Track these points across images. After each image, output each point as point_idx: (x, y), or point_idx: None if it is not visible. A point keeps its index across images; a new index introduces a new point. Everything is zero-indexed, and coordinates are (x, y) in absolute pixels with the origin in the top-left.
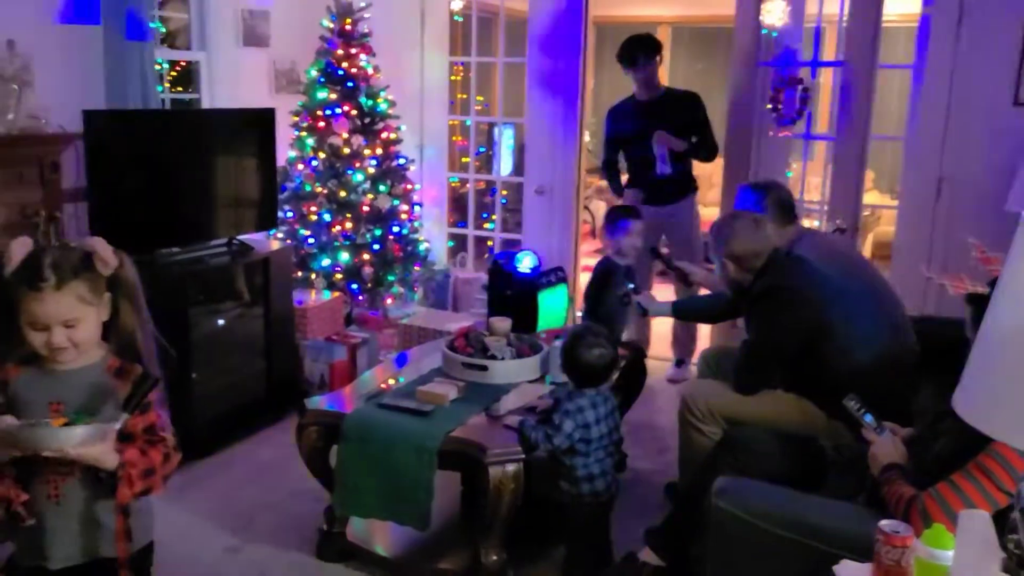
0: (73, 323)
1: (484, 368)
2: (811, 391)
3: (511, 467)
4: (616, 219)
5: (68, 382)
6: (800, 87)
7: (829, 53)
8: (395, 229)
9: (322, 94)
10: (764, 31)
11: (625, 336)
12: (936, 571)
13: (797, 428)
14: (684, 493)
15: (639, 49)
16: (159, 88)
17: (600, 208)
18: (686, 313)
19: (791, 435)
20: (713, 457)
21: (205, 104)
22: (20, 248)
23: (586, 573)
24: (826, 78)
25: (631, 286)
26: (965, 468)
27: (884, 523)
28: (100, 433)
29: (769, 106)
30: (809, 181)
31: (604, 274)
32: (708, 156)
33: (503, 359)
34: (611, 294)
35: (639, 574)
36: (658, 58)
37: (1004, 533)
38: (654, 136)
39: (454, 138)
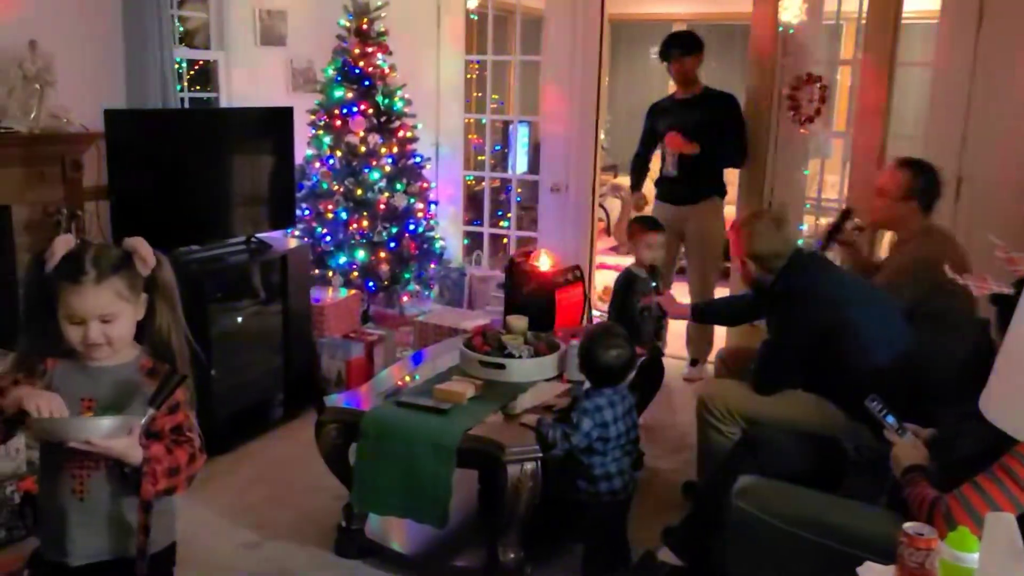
0: (110, 318)
1: (502, 366)
2: (831, 391)
3: (529, 465)
4: (637, 231)
5: (101, 379)
6: (818, 85)
7: (848, 50)
8: (411, 227)
9: (339, 93)
10: (781, 28)
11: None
12: (961, 574)
13: (817, 428)
14: (703, 493)
15: (674, 43)
16: (178, 87)
17: (615, 206)
18: (706, 316)
19: (811, 435)
20: (732, 457)
21: (223, 103)
22: (62, 245)
23: (604, 572)
24: (844, 76)
25: (653, 284)
26: (989, 470)
27: (908, 525)
28: (126, 426)
29: (787, 104)
30: (826, 179)
31: (625, 286)
32: (736, 161)
33: (520, 357)
34: (633, 305)
35: (658, 574)
36: (694, 57)
37: None
38: (666, 138)
39: (470, 136)
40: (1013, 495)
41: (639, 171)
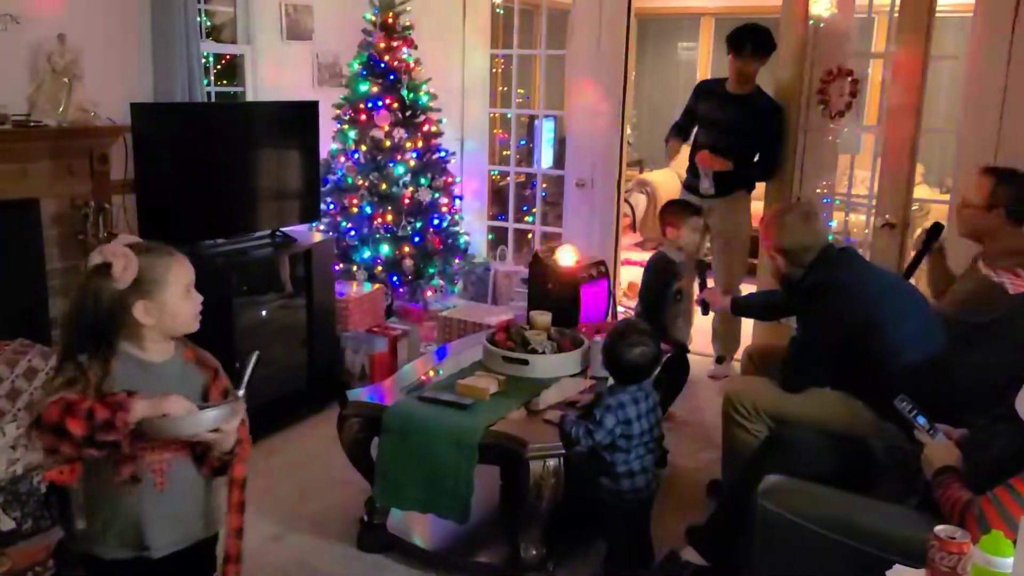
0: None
1: (525, 362)
2: (861, 391)
3: (551, 462)
4: (675, 213)
5: (162, 376)
6: (849, 78)
7: (880, 44)
8: (435, 222)
9: (364, 87)
10: (812, 21)
11: (683, 330)
12: None
13: (845, 428)
14: (728, 492)
15: (750, 39)
16: (204, 82)
17: (640, 202)
18: (745, 309)
19: (839, 435)
20: (759, 456)
21: (249, 97)
22: (123, 253)
23: (626, 570)
24: (876, 70)
25: (698, 280)
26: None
27: (939, 528)
28: (232, 412)
29: (817, 98)
30: (856, 175)
31: (659, 269)
32: (766, 174)
33: (544, 353)
34: (667, 290)
35: (681, 572)
36: (764, 57)
37: None
38: (696, 157)
39: (495, 131)
40: None
41: (677, 135)
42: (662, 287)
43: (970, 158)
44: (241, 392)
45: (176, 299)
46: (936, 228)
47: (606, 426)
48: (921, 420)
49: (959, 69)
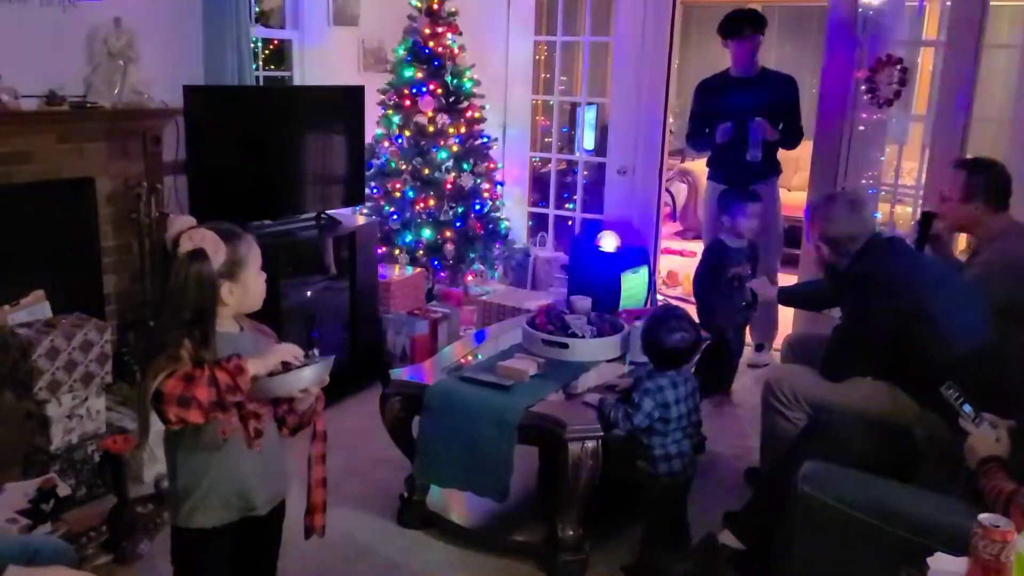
0: None
1: (564, 346)
2: (904, 379)
3: (590, 444)
4: (733, 200)
5: (242, 344)
6: (898, 67)
7: (931, 31)
8: (477, 207)
9: (409, 72)
10: (860, 9)
11: (743, 318)
12: None
13: (887, 417)
14: (767, 478)
15: (746, 20)
16: (253, 66)
17: (681, 191)
18: (791, 299)
19: (880, 424)
20: (798, 442)
21: (296, 82)
22: (211, 239)
23: (663, 553)
24: (925, 58)
25: (749, 266)
26: None
27: (983, 516)
28: (325, 368)
29: (864, 87)
30: (903, 165)
31: (716, 255)
32: (792, 144)
33: (583, 337)
34: (722, 275)
35: (718, 557)
36: (761, 36)
37: None
38: (753, 122)
39: (537, 117)
40: None
41: (701, 146)
42: (716, 272)
43: (1021, 147)
44: (316, 351)
45: (253, 278)
46: (927, 217)
47: (644, 409)
48: (967, 408)
49: (1013, 56)
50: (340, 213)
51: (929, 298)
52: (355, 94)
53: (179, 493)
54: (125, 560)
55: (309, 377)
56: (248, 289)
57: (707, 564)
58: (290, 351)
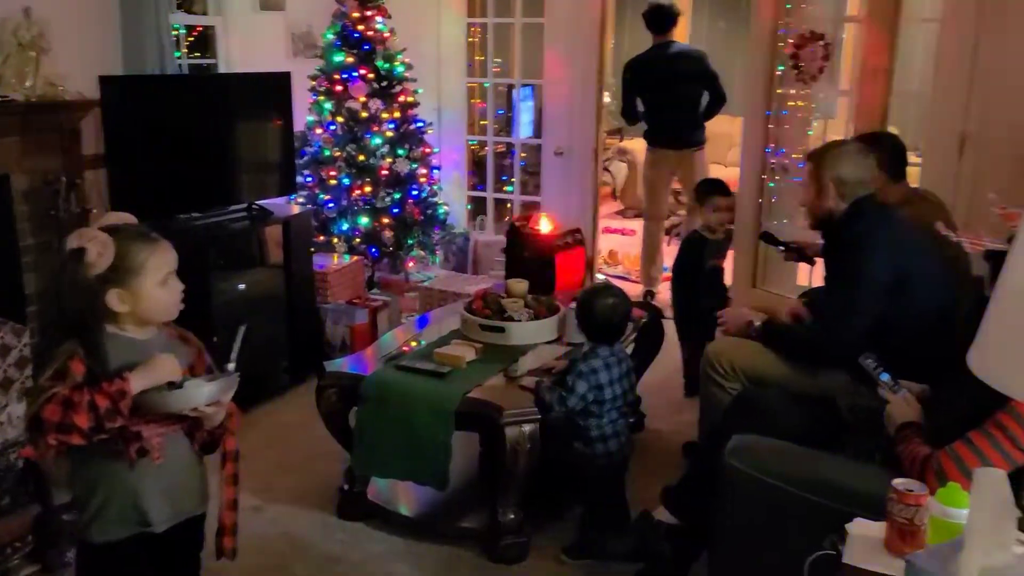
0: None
1: (501, 330)
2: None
3: (527, 427)
4: (706, 194)
5: (148, 350)
6: (821, 43)
7: (854, 7)
8: (414, 193)
9: (339, 58)
10: None
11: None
12: (951, 529)
13: (819, 388)
14: (700, 452)
15: (669, 18)
16: (176, 53)
17: (621, 170)
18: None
19: (806, 395)
20: (726, 416)
21: (222, 69)
22: (101, 241)
23: (601, 532)
24: (850, 34)
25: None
26: (982, 426)
27: (897, 481)
28: (228, 386)
29: (790, 63)
30: (830, 138)
31: (693, 249)
32: (719, 105)
33: (520, 320)
34: (701, 267)
35: (655, 532)
36: (675, 25)
37: (1021, 491)
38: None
39: (472, 100)
40: (1006, 451)
41: (632, 113)
42: (696, 264)
43: (941, 120)
44: (231, 366)
45: (152, 288)
46: (766, 237)
47: (578, 392)
48: (884, 377)
49: (932, 30)
50: (273, 203)
51: (917, 263)
52: (282, 80)
53: (78, 503)
54: (52, 570)
55: (207, 395)
56: (143, 298)
57: (644, 540)
58: (167, 364)
